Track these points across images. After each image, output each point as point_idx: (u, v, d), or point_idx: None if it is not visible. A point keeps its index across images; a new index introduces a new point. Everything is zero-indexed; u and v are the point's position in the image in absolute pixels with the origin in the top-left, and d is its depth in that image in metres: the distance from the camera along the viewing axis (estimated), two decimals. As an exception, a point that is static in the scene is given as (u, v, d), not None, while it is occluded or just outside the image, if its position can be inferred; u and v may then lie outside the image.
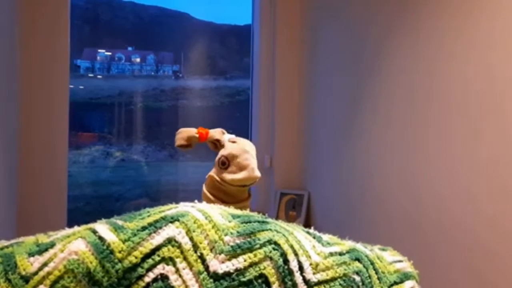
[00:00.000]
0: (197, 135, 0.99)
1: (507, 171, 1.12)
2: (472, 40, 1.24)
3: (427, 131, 1.38)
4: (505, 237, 1.13)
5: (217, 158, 0.96)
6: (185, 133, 0.99)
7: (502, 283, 1.13)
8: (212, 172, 0.97)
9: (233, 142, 0.99)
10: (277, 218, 2.04)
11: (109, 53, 2.57)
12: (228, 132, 1.05)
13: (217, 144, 1.00)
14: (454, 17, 1.30)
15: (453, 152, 1.29)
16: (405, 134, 1.48)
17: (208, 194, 0.97)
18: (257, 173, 0.95)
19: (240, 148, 0.96)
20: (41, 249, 0.67)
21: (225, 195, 0.96)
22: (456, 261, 1.27)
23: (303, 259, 0.72)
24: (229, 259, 0.68)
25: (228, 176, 0.93)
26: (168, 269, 0.66)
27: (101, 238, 0.67)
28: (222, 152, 0.97)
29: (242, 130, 2.29)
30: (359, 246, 0.82)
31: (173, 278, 0.66)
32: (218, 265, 0.67)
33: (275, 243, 0.71)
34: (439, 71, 1.34)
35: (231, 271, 0.67)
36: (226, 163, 0.94)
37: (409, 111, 1.47)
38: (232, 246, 0.69)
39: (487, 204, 1.18)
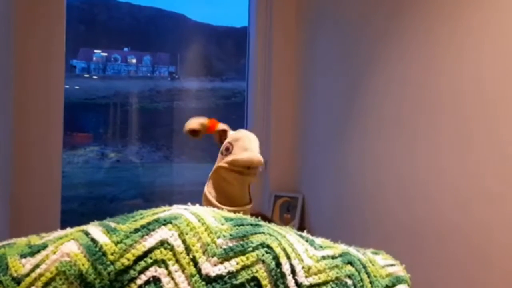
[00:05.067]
0: (206, 122, 1.01)
1: (496, 174, 1.13)
2: (463, 44, 1.24)
3: (420, 135, 1.39)
4: (496, 239, 1.14)
5: (222, 148, 0.98)
6: (197, 119, 1.02)
7: (493, 285, 1.14)
8: (216, 163, 0.98)
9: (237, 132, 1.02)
10: (271, 220, 2.04)
11: (105, 54, 2.57)
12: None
13: (222, 136, 1.01)
14: (446, 22, 1.30)
15: (445, 157, 1.30)
16: (399, 137, 1.49)
17: (210, 197, 0.95)
18: (260, 156, 0.94)
19: (243, 133, 0.98)
20: (33, 251, 0.67)
21: (227, 198, 0.94)
22: (449, 265, 1.28)
23: (295, 262, 0.72)
24: (221, 262, 0.68)
25: (231, 157, 0.93)
26: (160, 272, 0.66)
27: (93, 240, 0.67)
28: (226, 140, 0.98)
29: (237, 132, 2.28)
30: (352, 249, 0.83)
31: (165, 281, 0.66)
32: (211, 268, 0.67)
33: (268, 246, 0.71)
34: (432, 75, 1.35)
35: (224, 274, 0.67)
36: (230, 148, 0.95)
37: (402, 114, 1.47)
38: (224, 249, 0.69)
39: (478, 207, 1.19)
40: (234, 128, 1.07)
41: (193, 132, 1.01)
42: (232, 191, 0.95)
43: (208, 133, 1.02)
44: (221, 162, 0.95)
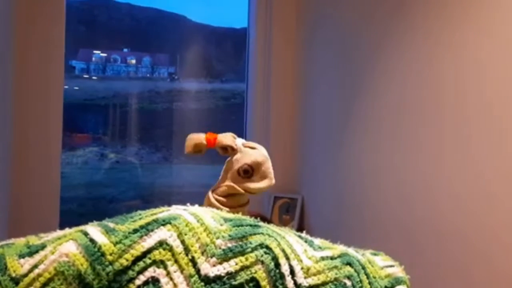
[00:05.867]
0: (204, 142, 0.95)
1: (496, 175, 1.13)
2: (463, 45, 1.25)
3: (420, 135, 1.39)
4: (496, 240, 1.14)
5: (237, 167, 0.92)
6: (193, 140, 0.95)
7: (493, 286, 1.14)
8: (230, 182, 0.93)
9: (252, 148, 0.96)
10: (270, 221, 2.04)
11: (105, 54, 2.57)
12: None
13: (228, 149, 0.96)
14: (446, 22, 1.31)
15: (444, 157, 1.30)
16: (398, 138, 1.49)
17: (212, 200, 0.94)
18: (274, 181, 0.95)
19: (263, 154, 0.94)
20: (32, 251, 0.67)
21: (228, 200, 0.94)
22: (448, 266, 1.28)
23: (294, 263, 0.72)
24: (220, 263, 0.68)
25: (252, 185, 0.91)
26: (159, 272, 0.66)
27: (92, 241, 0.66)
28: (244, 160, 0.93)
29: (237, 133, 2.28)
30: (351, 250, 0.83)
31: (164, 281, 0.65)
32: (209, 269, 0.67)
33: (267, 247, 0.71)
34: (432, 75, 1.35)
35: (222, 274, 0.67)
36: (249, 172, 0.91)
37: (402, 115, 1.47)
38: (223, 250, 0.69)
39: (477, 208, 1.19)
40: (234, 131, 1.02)
41: (192, 153, 0.98)
42: (236, 198, 0.95)
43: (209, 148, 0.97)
44: (237, 185, 0.92)
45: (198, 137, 0.95)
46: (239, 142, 0.97)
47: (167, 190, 2.47)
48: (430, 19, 1.37)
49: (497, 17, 1.16)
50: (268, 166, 0.94)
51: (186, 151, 0.96)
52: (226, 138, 0.97)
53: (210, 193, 0.95)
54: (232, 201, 0.95)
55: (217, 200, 0.94)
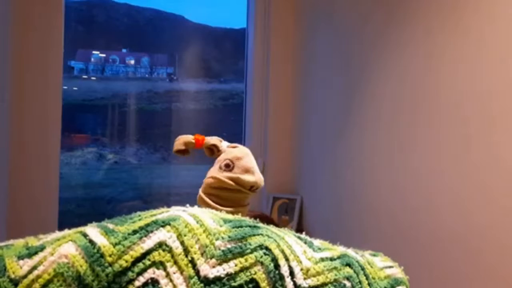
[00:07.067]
0: (193, 141, 1.00)
1: (492, 177, 1.14)
2: (461, 45, 1.25)
3: (418, 137, 1.39)
4: (494, 242, 1.14)
5: (220, 163, 0.97)
6: (182, 139, 1.01)
7: (491, 287, 1.14)
8: (215, 174, 0.96)
9: (234, 147, 1.01)
10: (274, 221, 2.03)
11: (103, 55, 2.57)
12: (222, 136, 1.05)
13: (214, 150, 1.00)
14: (444, 22, 1.31)
15: (442, 159, 1.30)
16: (397, 139, 1.49)
17: (205, 198, 0.95)
18: (263, 179, 0.97)
19: (243, 151, 0.98)
20: (31, 252, 0.67)
21: (222, 200, 0.94)
22: (446, 267, 1.28)
23: (294, 264, 0.72)
24: (220, 264, 0.68)
25: (233, 175, 0.94)
26: (158, 273, 0.66)
27: (91, 242, 0.66)
28: (225, 156, 0.97)
29: (235, 133, 2.29)
30: (350, 251, 0.82)
31: (163, 283, 0.65)
32: (209, 270, 0.67)
33: (266, 248, 0.71)
34: (430, 76, 1.35)
35: (222, 275, 0.67)
36: (230, 165, 0.95)
37: (400, 116, 1.47)
38: (223, 251, 0.69)
39: (476, 210, 1.19)
40: (232, 132, 1.05)
41: (180, 152, 1.02)
42: (227, 196, 0.96)
43: (197, 148, 1.02)
44: (221, 174, 0.95)
45: (187, 137, 1.01)
46: (224, 144, 1.02)
47: (166, 191, 2.47)
48: (427, 19, 1.37)
49: (495, 17, 1.16)
50: (248, 161, 0.96)
51: (175, 148, 1.00)
52: (213, 139, 1.02)
53: (200, 193, 0.96)
54: (232, 202, 0.95)
55: (210, 199, 0.94)
